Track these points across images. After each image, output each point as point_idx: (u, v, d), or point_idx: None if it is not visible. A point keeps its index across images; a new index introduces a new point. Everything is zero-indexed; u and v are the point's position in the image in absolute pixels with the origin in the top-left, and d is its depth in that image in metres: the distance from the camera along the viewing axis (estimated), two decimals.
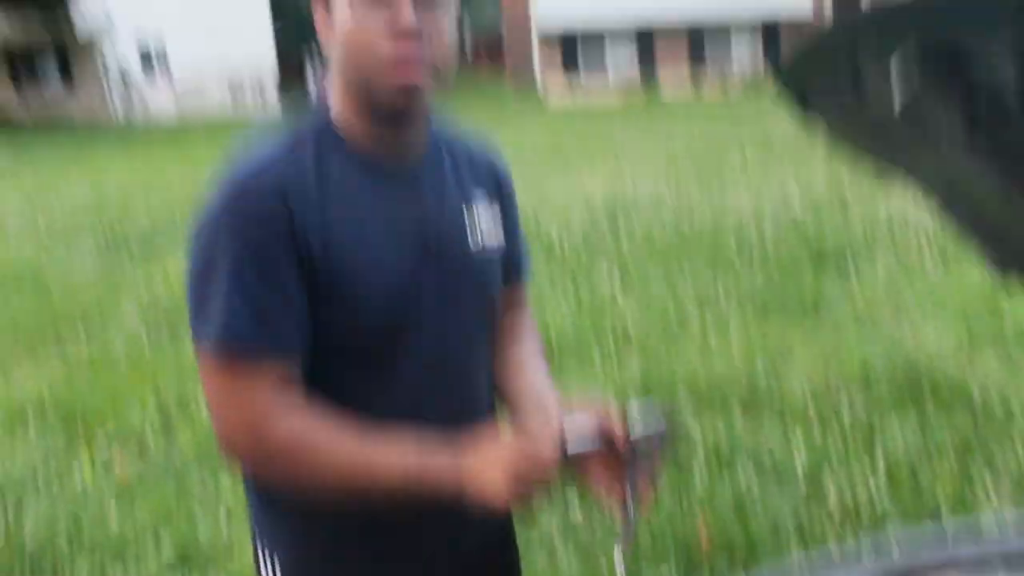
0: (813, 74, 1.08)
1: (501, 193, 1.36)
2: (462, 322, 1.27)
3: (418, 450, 1.13)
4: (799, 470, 3.23)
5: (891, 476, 3.19)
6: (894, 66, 0.87)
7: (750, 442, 3.46)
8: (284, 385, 1.13)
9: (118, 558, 3.02)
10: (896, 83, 0.90)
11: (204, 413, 4.00)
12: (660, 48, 23.29)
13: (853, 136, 1.23)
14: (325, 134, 1.18)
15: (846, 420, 3.61)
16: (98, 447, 3.80)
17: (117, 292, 6.20)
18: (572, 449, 1.14)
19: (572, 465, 1.16)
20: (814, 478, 3.20)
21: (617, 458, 1.15)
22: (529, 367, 1.36)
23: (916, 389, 3.82)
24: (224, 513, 3.24)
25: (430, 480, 1.12)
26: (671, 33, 22.96)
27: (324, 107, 1.21)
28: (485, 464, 1.11)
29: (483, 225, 1.29)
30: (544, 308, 5.15)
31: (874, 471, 3.21)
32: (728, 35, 23.36)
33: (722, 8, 22.16)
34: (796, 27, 23.18)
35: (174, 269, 6.76)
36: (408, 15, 1.08)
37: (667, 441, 1.17)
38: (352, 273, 1.15)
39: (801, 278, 5.44)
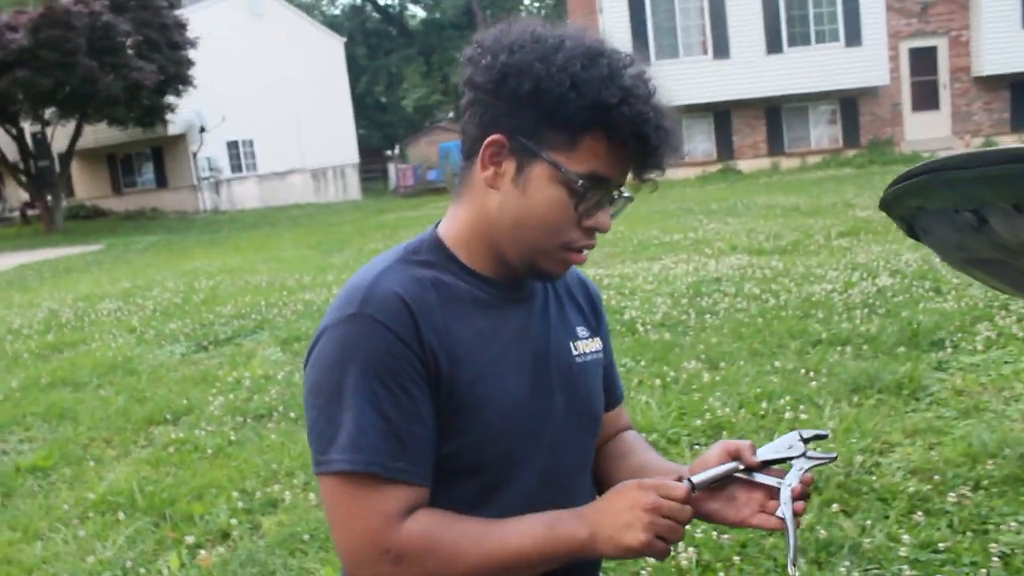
0: (919, 204, 1.03)
1: (598, 317, 1.41)
2: (572, 437, 1.29)
3: (545, 517, 1.14)
4: (904, 561, 3.06)
5: (1006, 564, 2.99)
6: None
7: (851, 532, 3.29)
8: (413, 503, 1.13)
9: None
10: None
11: (287, 503, 4.01)
12: (737, 124, 23.35)
13: (968, 263, 1.18)
14: (440, 254, 1.23)
15: (953, 507, 3.42)
16: (184, 536, 3.81)
17: (203, 383, 6.31)
18: (698, 479, 1.15)
19: (705, 500, 1.17)
20: (921, 569, 3.02)
21: (755, 485, 1.17)
22: (644, 448, 1.42)
23: None
24: None
25: (562, 539, 1.11)
26: (748, 109, 23.04)
27: (435, 234, 1.26)
28: (617, 511, 1.11)
29: (585, 344, 1.33)
30: (628, 394, 5.06)
31: (987, 560, 3.01)
32: (806, 110, 23.32)
33: (799, 84, 22.19)
34: (873, 99, 23.02)
35: (258, 360, 6.88)
36: (609, 221, 1.18)
37: (809, 461, 1.17)
38: (476, 390, 1.17)
39: (896, 360, 5.23)
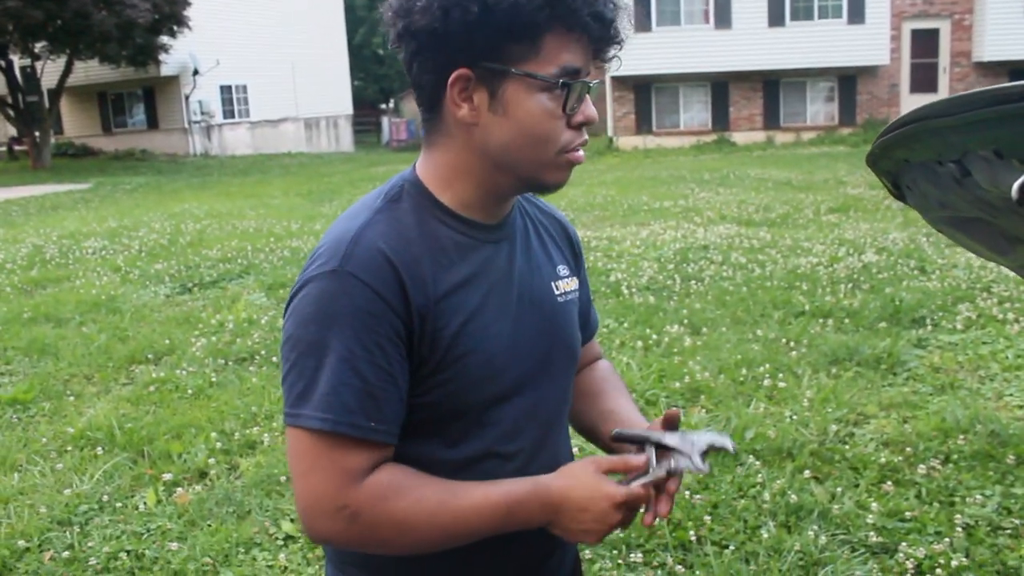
0: (905, 156, 1.03)
1: (576, 256, 1.42)
2: (554, 376, 1.30)
3: (505, 495, 1.15)
4: (871, 528, 3.11)
5: (969, 535, 3.06)
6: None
7: (821, 498, 3.35)
8: (378, 463, 1.13)
9: None
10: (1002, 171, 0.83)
11: (265, 445, 4.03)
12: (734, 96, 23.27)
13: (950, 223, 1.18)
14: (422, 198, 1.20)
15: (922, 478, 3.48)
16: (161, 474, 3.83)
17: (187, 325, 6.31)
18: (636, 483, 1.18)
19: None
20: (887, 536, 3.08)
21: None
22: (613, 389, 1.44)
23: (998, 450, 3.66)
24: (282, 542, 3.25)
25: (520, 522, 1.15)
26: (745, 82, 22.96)
27: (415, 175, 1.22)
28: (581, 518, 1.14)
29: (565, 283, 1.34)
30: (610, 354, 5.09)
31: (951, 530, 3.07)
32: (804, 86, 23.24)
33: (799, 59, 22.10)
34: (872, 78, 22.95)
35: (242, 304, 6.88)
36: (594, 110, 1.16)
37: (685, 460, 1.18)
38: (461, 340, 1.16)
39: (876, 335, 5.28)
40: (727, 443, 1.18)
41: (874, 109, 23.16)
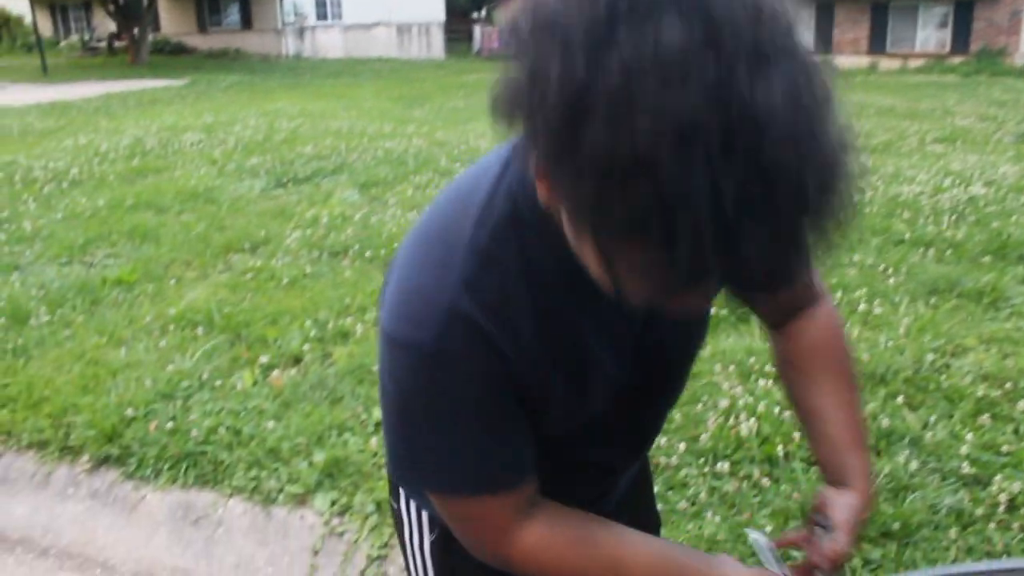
0: None
1: None
2: (660, 405, 1.23)
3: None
4: (964, 459, 3.05)
5: None
6: None
7: (913, 425, 3.29)
8: (522, 504, 1.05)
9: (272, 456, 3.16)
10: None
11: (358, 335, 4.12)
12: (840, 18, 22.32)
13: None
14: (528, 229, 0.93)
15: (1021, 414, 3.38)
16: (258, 356, 3.96)
17: (281, 217, 6.44)
18: None
19: None
20: (981, 468, 3.01)
21: None
22: (820, 379, 1.24)
23: None
24: (372, 429, 3.34)
25: None
26: (853, 3, 21.99)
27: (528, 186, 0.90)
28: None
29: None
30: None
31: None
32: (915, 10, 22.12)
33: None
34: (992, 4, 21.70)
35: (336, 200, 6.97)
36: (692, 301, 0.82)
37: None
38: (577, 384, 1.03)
39: (980, 268, 5.09)
40: None
41: (991, 38, 21.96)
